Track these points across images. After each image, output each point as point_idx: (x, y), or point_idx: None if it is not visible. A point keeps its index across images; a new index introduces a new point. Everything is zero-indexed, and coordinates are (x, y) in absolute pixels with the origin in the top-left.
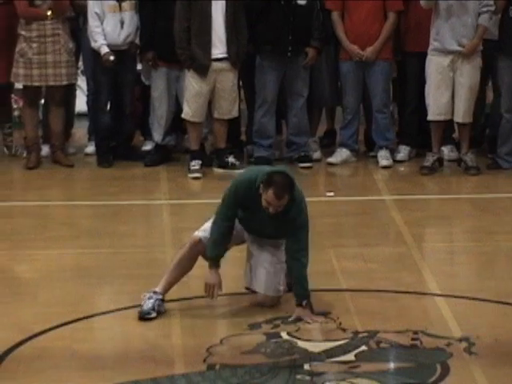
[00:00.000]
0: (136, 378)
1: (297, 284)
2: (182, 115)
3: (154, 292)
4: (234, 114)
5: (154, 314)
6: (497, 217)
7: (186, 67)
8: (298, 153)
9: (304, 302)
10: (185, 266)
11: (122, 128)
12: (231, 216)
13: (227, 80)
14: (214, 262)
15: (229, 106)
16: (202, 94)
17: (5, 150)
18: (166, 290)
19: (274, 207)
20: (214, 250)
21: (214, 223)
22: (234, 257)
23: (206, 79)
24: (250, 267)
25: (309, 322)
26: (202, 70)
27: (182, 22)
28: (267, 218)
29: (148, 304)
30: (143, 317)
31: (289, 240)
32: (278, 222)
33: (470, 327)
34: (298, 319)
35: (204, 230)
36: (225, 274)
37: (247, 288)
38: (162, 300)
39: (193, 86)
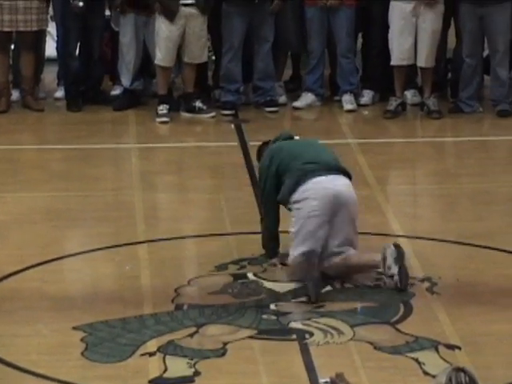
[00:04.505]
0: (105, 318)
1: (278, 242)
2: (155, 61)
3: None
4: (204, 58)
5: None
6: (459, 160)
7: (156, 12)
8: (264, 97)
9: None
10: None
11: (91, 73)
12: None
13: (196, 25)
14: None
15: (198, 51)
16: (172, 38)
17: None
18: None
19: None
20: (272, 246)
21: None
22: (201, 199)
23: (175, 24)
24: None
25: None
26: (171, 15)
27: None
28: None
29: None
30: None
31: None
32: None
33: (432, 268)
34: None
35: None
36: (192, 217)
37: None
38: None
39: (163, 30)
